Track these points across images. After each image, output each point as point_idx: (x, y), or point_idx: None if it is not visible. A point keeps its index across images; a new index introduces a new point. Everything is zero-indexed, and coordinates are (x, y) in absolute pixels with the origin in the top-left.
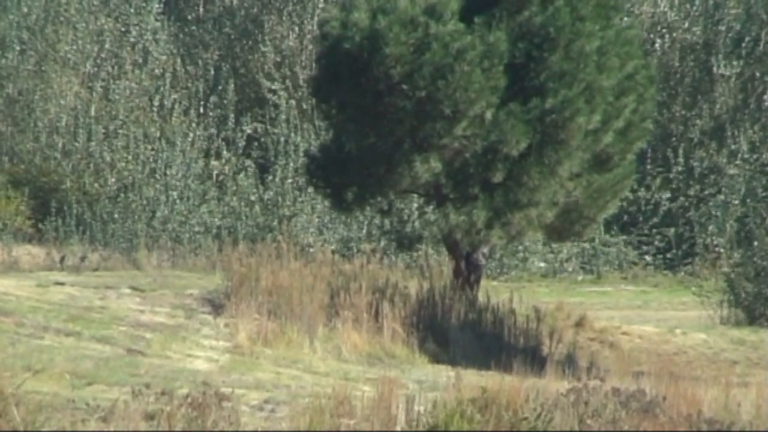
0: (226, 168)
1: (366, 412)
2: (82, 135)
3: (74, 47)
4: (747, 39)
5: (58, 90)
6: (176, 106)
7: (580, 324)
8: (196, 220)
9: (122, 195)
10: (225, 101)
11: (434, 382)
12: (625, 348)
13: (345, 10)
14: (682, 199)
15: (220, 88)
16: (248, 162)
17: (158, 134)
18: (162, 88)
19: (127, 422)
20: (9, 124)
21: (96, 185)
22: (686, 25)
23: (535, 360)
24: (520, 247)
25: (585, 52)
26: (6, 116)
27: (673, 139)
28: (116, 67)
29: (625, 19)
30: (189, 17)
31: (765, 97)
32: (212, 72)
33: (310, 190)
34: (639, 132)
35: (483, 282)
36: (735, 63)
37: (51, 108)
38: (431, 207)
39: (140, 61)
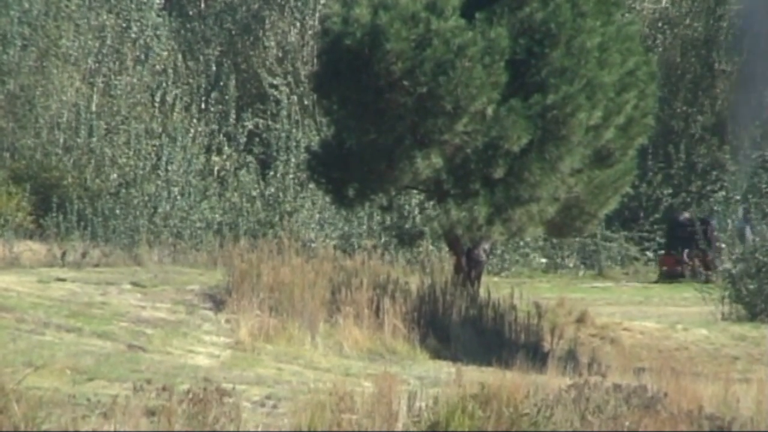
0: (228, 164)
1: (367, 408)
2: (84, 131)
3: (75, 43)
4: (748, 35)
5: (59, 86)
6: (177, 101)
7: (581, 320)
8: (197, 215)
9: (123, 191)
10: (226, 97)
11: (435, 378)
12: (627, 344)
13: (346, 5)
14: (683, 194)
15: (221, 83)
16: (249, 158)
17: (159, 130)
18: (163, 84)
19: (128, 418)
20: (10, 120)
21: (97, 181)
22: (687, 21)
23: (536, 356)
24: (521, 243)
25: (586, 48)
26: (7, 112)
27: (675, 135)
28: (117, 63)
29: (626, 15)
30: (190, 13)
31: (766, 93)
32: (213, 68)
33: (312, 185)
34: (640, 128)
35: (484, 278)
36: (736, 59)
37: (52, 104)
38: (432, 203)
39: (141, 56)
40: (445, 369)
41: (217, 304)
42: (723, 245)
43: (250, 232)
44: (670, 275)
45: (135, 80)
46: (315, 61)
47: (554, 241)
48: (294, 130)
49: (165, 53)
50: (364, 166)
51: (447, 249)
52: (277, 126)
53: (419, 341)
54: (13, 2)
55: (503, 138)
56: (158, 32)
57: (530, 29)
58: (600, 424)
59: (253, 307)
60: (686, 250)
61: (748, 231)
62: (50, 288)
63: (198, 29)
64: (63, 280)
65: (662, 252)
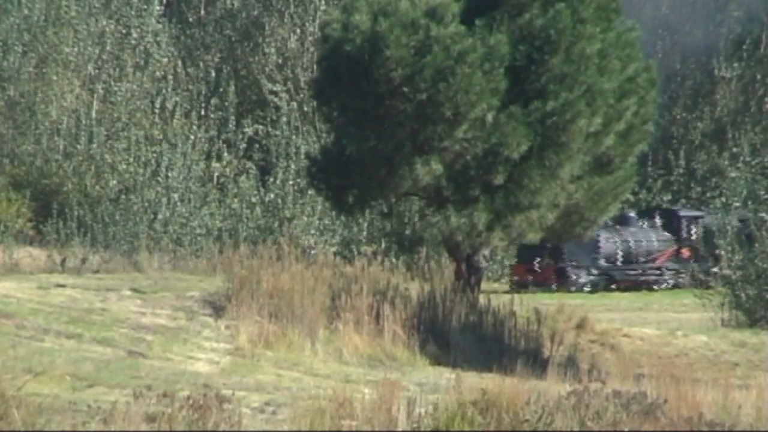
0: (227, 170)
1: (367, 414)
2: (83, 137)
3: (75, 49)
4: (748, 41)
5: (59, 92)
6: (177, 108)
7: (581, 326)
8: (197, 222)
9: (123, 197)
10: (226, 103)
11: (435, 384)
12: (626, 350)
13: (346, 12)
14: (683, 201)
15: (221, 90)
16: (249, 164)
17: (159, 136)
18: (163, 91)
19: (128, 424)
20: (10, 126)
21: (97, 187)
22: (687, 27)
23: (535, 362)
24: None
25: (586, 55)
26: (7, 118)
27: (674, 141)
28: (117, 70)
29: (626, 21)
30: (190, 19)
31: (766, 99)
32: (213, 74)
33: (311, 192)
34: (640, 134)
35: (484, 284)
36: (736, 65)
37: (52, 110)
38: (432, 209)
39: (141, 63)
40: (445, 375)
41: (217, 310)
42: (723, 252)
43: (249, 239)
44: (520, 285)
45: (135, 87)
46: (315, 67)
47: None
48: (294, 137)
49: (165, 60)
50: (364, 173)
51: (447, 255)
52: (277, 132)
53: (419, 347)
54: (13, 9)
55: (503, 145)
56: (158, 39)
57: (530, 36)
58: (600, 431)
59: (253, 314)
60: (537, 259)
61: (602, 240)
62: (50, 294)
63: (198, 36)
64: (63, 286)
65: (514, 261)
